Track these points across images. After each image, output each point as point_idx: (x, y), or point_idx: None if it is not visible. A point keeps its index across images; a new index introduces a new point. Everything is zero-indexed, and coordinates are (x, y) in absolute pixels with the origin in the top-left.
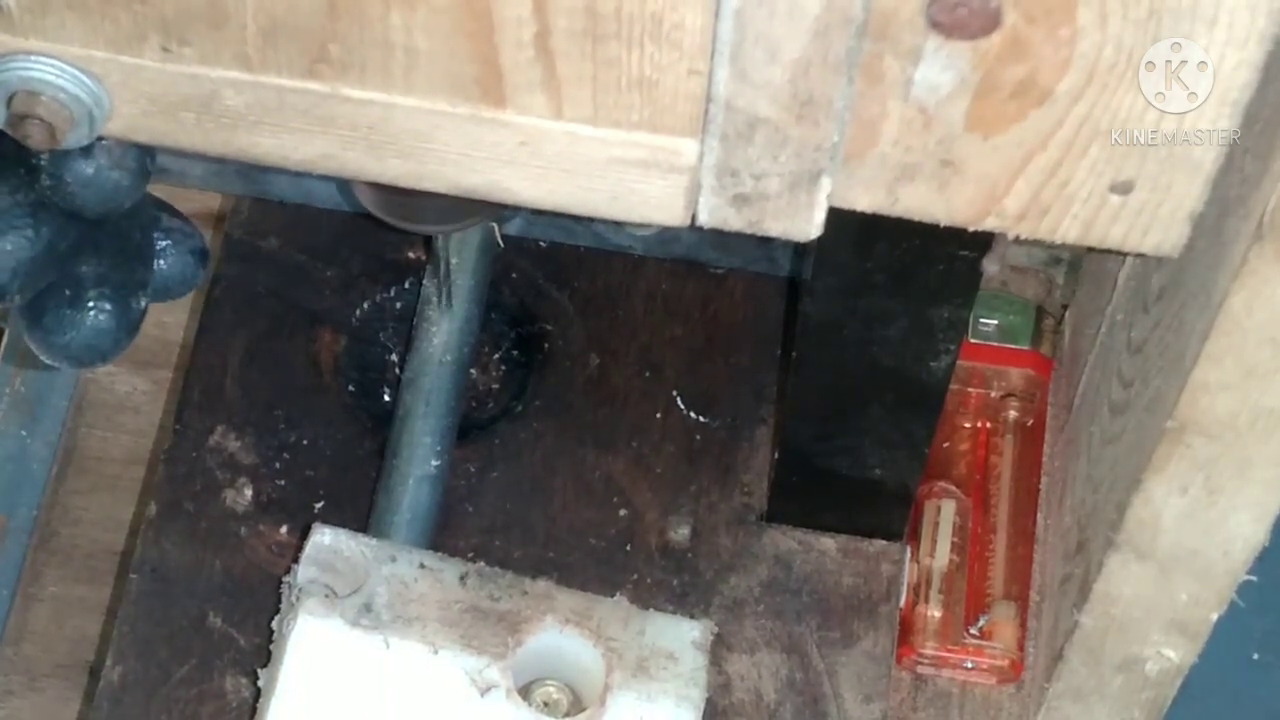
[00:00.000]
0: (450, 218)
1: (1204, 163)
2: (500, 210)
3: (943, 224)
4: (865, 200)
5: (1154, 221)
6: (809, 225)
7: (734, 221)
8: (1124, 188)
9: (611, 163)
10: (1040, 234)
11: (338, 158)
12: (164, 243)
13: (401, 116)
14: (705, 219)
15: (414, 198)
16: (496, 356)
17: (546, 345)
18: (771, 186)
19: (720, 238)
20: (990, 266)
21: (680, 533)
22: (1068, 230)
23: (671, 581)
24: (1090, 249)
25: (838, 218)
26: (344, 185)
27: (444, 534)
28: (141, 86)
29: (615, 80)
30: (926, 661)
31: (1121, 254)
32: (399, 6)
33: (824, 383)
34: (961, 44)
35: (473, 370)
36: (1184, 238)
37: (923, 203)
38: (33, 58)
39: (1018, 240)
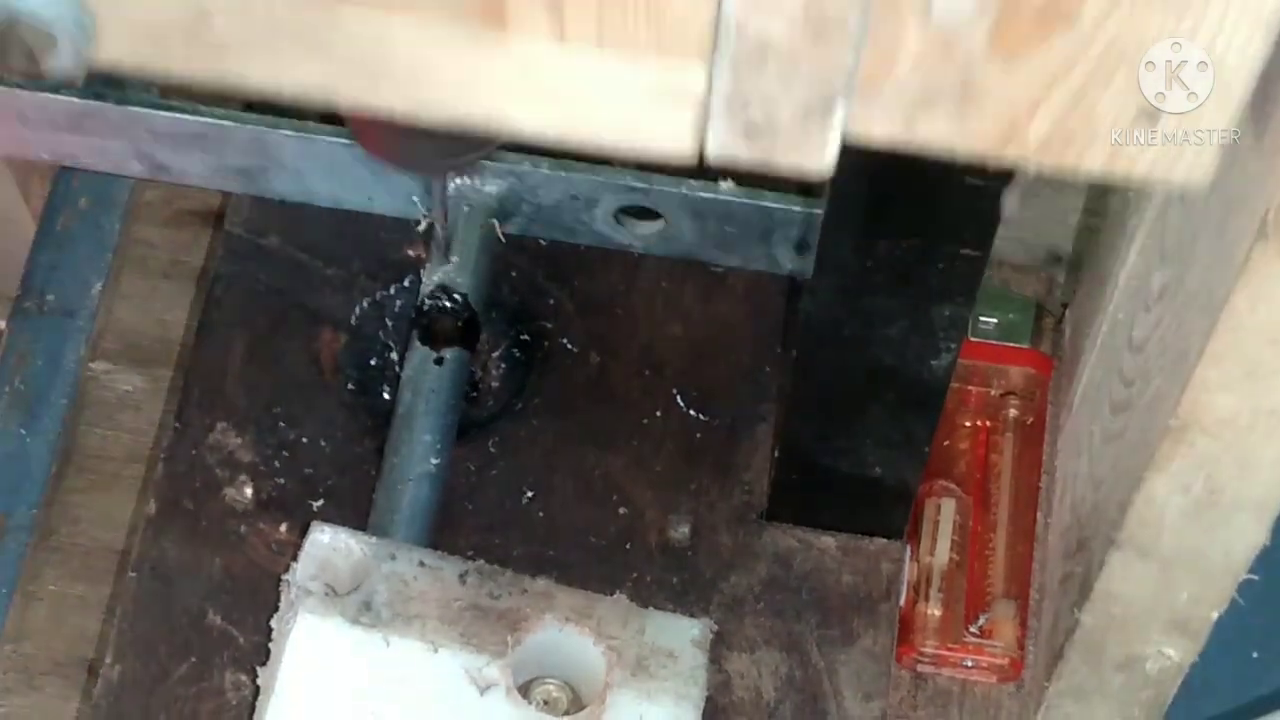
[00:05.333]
0: (446, 157)
1: (1234, 86)
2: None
3: (961, 156)
4: (881, 130)
5: (1183, 150)
6: (821, 158)
7: (743, 154)
8: (1151, 116)
9: (616, 90)
10: (1063, 165)
11: (332, 87)
12: None
13: (399, 39)
14: (713, 150)
15: (410, 135)
16: (496, 355)
17: (546, 344)
18: (783, 115)
19: (721, 236)
20: (1010, 203)
21: (680, 531)
22: (1092, 161)
23: (671, 580)
24: (1114, 184)
25: (840, 211)
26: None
27: (444, 532)
28: (127, 10)
29: (621, 1)
30: (926, 660)
31: (1147, 188)
32: None
33: (824, 381)
34: None
35: (473, 369)
36: (1214, 166)
37: (941, 133)
38: None
39: (1040, 175)
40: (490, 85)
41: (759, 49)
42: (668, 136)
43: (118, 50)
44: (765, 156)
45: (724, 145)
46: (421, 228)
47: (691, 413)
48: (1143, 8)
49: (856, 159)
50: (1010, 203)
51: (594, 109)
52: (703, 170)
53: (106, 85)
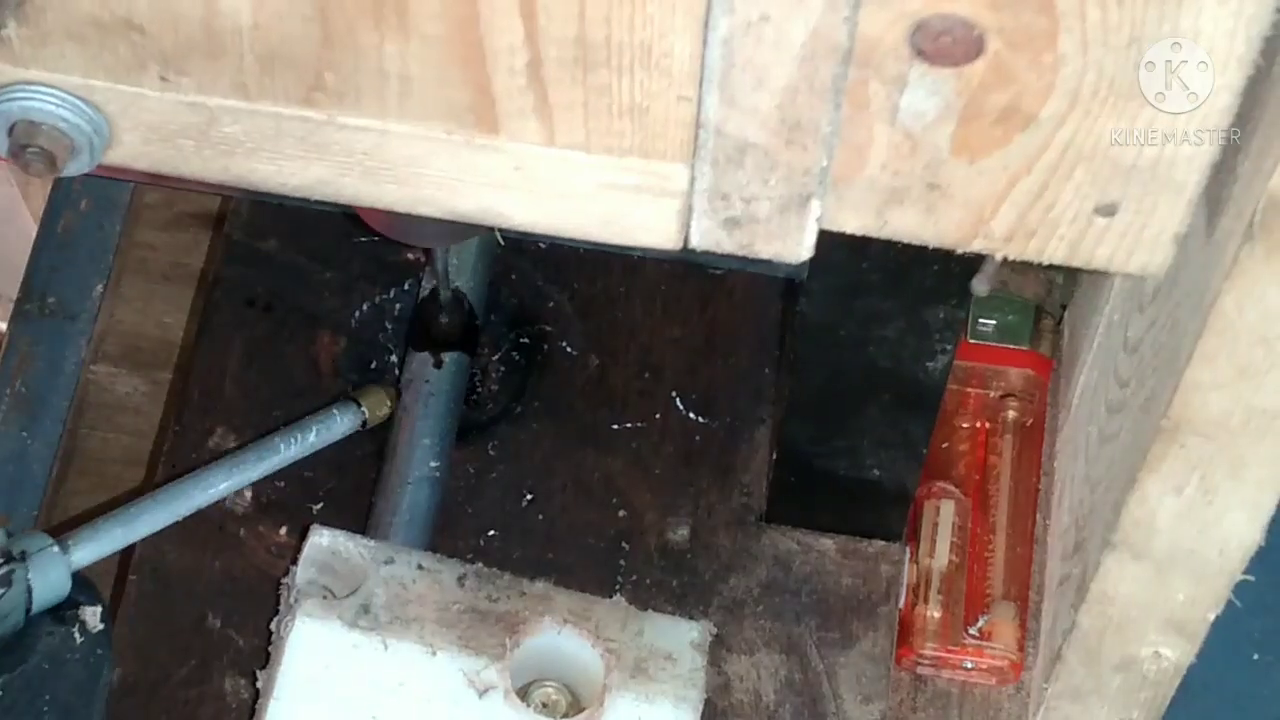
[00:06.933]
0: (446, 235)
1: (1187, 185)
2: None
3: (931, 246)
4: (854, 223)
5: (1139, 243)
6: (799, 248)
7: (726, 244)
8: (1109, 210)
9: (604, 188)
10: (1027, 255)
11: (334, 184)
12: None
13: (396, 143)
14: (697, 242)
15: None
16: (496, 358)
17: (546, 346)
18: (762, 210)
19: None
20: (979, 287)
21: (679, 533)
22: (1054, 251)
23: (670, 582)
24: (1077, 269)
25: None
26: None
27: (442, 535)
28: (141, 115)
29: (606, 107)
30: (926, 662)
31: (1108, 274)
32: (393, 36)
33: (822, 383)
34: (946, 71)
35: (472, 371)
36: (1169, 259)
37: (911, 225)
38: (33, 88)
39: (1005, 261)
40: (483, 183)
41: (737, 150)
42: (654, 229)
43: (131, 151)
44: (746, 246)
45: (707, 236)
46: None
47: (690, 415)
48: (1098, 108)
49: None
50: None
51: (582, 205)
52: None
53: None
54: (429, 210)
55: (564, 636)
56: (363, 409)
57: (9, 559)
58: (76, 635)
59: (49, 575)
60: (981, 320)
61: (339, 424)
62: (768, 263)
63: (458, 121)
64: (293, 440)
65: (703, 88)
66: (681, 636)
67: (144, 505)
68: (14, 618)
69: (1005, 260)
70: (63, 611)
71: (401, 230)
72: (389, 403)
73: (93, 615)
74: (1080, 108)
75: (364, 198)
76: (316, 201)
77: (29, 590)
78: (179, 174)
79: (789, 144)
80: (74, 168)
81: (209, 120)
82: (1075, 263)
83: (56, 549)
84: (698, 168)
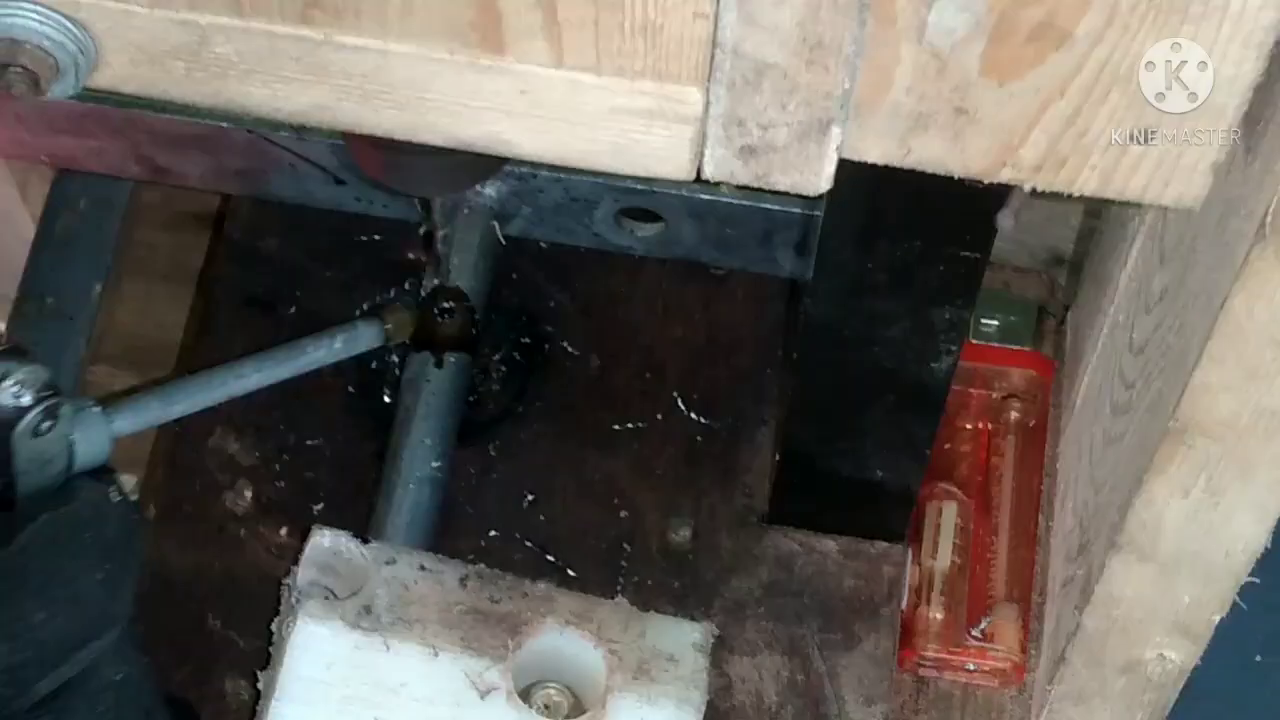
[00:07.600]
0: (442, 183)
1: (1227, 109)
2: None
3: (957, 175)
4: (877, 151)
5: (1175, 172)
6: (818, 178)
7: (741, 174)
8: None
9: (614, 112)
10: (1057, 185)
11: (331, 109)
12: None
13: (397, 65)
14: (711, 171)
15: (410, 159)
16: (497, 358)
17: (547, 347)
18: (780, 137)
19: (721, 238)
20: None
21: (681, 534)
22: (1085, 182)
23: (672, 583)
24: (1109, 201)
25: (840, 214)
26: (343, 157)
27: (444, 536)
28: (129, 34)
29: (618, 25)
30: (928, 663)
31: (1140, 206)
32: None
33: (825, 384)
34: None
35: (474, 371)
36: (1205, 189)
37: (936, 154)
38: (16, 4)
39: (1034, 193)
40: (488, 108)
41: (755, 71)
42: (666, 157)
43: (119, 73)
44: (763, 176)
45: (721, 165)
46: (421, 231)
47: (692, 416)
48: (1137, 24)
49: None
50: (1005, 221)
51: (592, 131)
52: None
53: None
54: (431, 138)
55: (566, 638)
56: (387, 324)
57: (55, 393)
58: (113, 494)
59: (90, 436)
60: (984, 321)
61: (362, 336)
62: (770, 259)
63: (462, 41)
64: (321, 344)
65: (720, 4)
66: (683, 638)
67: (182, 385)
68: (56, 465)
69: (1033, 192)
70: (99, 475)
71: (397, 176)
72: (411, 325)
73: (127, 481)
74: (1118, 24)
75: (363, 124)
76: (313, 128)
77: (71, 447)
78: (169, 98)
79: (810, 65)
80: (59, 90)
81: (200, 39)
82: (1108, 194)
83: (99, 410)
84: (713, 91)
